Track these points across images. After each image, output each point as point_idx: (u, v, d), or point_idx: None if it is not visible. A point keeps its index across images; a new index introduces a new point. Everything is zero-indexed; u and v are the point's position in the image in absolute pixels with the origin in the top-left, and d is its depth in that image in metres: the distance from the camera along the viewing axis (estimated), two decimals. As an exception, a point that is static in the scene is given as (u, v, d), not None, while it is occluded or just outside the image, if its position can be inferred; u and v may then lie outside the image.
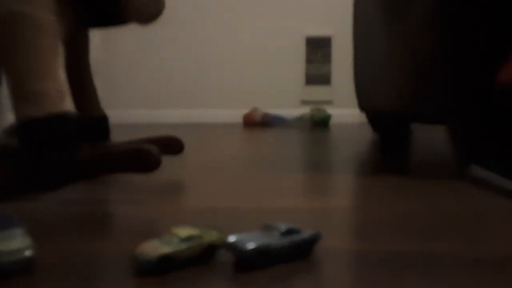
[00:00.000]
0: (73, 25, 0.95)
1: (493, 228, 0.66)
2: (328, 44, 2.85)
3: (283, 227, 0.54)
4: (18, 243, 0.48)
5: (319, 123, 2.70)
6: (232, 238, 0.52)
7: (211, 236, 0.53)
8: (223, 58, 2.95)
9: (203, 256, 0.52)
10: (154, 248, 0.49)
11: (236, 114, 2.94)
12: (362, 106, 1.75)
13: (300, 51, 2.90)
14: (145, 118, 2.97)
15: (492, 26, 0.99)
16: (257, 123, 2.74)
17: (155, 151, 0.83)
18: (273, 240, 0.52)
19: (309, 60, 2.87)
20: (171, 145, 1.19)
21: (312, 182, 0.98)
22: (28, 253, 0.49)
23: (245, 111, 2.94)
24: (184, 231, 0.52)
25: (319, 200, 0.82)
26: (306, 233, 0.55)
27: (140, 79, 2.99)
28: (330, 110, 2.89)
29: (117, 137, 1.17)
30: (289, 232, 0.54)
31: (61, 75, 0.86)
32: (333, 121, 2.89)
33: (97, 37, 2.93)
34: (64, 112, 0.83)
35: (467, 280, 0.48)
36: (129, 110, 2.97)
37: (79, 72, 1.03)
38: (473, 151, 1.05)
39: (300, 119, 2.74)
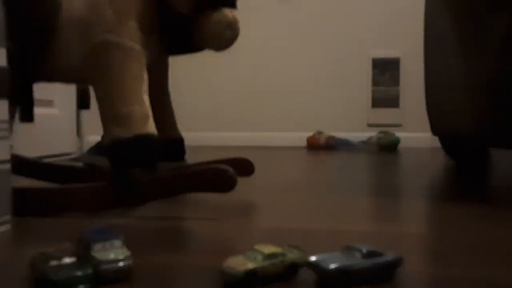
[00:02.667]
0: (156, 53, 1.01)
1: None
2: (396, 66, 2.81)
3: (365, 249, 0.54)
4: (117, 253, 0.52)
5: (387, 147, 2.64)
6: (314, 257, 0.53)
7: (293, 254, 0.54)
8: (288, 80, 2.99)
9: (286, 273, 0.53)
10: (241, 263, 0.51)
11: (300, 137, 2.95)
12: (435, 130, 1.70)
13: (366, 73, 2.88)
14: (210, 141, 3.05)
15: None
16: (322, 146, 2.73)
17: (231, 172, 0.86)
18: (356, 261, 0.52)
19: (375, 82, 2.83)
20: (243, 167, 1.23)
21: (384, 207, 0.97)
22: (126, 263, 0.52)
23: (310, 134, 2.94)
24: (268, 248, 0.53)
25: (393, 225, 0.81)
26: (389, 256, 0.54)
27: (206, 102, 3.09)
28: (399, 133, 2.82)
29: (191, 158, 1.22)
30: (371, 254, 0.53)
31: (146, 99, 0.92)
32: (402, 145, 2.82)
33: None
34: (148, 134, 0.89)
35: None
36: (195, 133, 3.08)
37: (160, 96, 1.09)
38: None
39: (366, 143, 2.70)
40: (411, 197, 1.08)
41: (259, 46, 3.01)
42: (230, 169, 0.86)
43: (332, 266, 0.51)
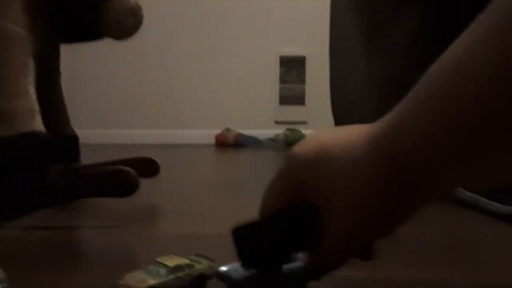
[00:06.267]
0: (45, 40, 0.90)
1: (488, 254, 0.65)
2: (302, 64, 2.87)
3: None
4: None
5: (294, 144, 2.69)
6: (225, 267, 0.48)
7: (201, 265, 0.49)
8: (196, 77, 2.93)
9: (193, 286, 0.48)
10: (140, 279, 0.45)
11: (208, 135, 2.90)
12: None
13: (274, 70, 2.91)
14: (113, 138, 2.88)
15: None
16: (230, 143, 2.71)
17: (132, 173, 0.78)
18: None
19: (283, 80, 2.87)
20: (146, 167, 1.15)
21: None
22: (1, 286, 0.43)
23: (218, 131, 2.90)
24: (172, 260, 0.48)
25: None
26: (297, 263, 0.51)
27: (108, 97, 2.92)
28: (305, 130, 2.89)
29: (86, 158, 1.11)
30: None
31: (32, 92, 0.81)
32: (306, 141, 2.89)
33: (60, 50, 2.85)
34: (34, 131, 0.78)
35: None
36: (96, 130, 2.88)
37: (50, 88, 0.97)
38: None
39: (274, 140, 2.73)
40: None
41: (163, 38, 2.90)
42: (131, 170, 0.78)
43: (245, 275, 0.47)
